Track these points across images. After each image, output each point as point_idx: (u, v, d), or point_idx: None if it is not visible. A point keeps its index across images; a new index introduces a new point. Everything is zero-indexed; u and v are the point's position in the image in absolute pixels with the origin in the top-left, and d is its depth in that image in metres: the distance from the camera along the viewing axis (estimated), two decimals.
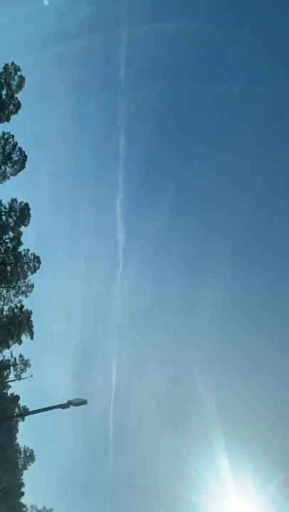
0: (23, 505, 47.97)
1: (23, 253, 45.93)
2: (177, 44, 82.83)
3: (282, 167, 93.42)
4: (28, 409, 53.63)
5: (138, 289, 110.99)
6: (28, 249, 47.86)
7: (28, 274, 46.21)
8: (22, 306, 41.03)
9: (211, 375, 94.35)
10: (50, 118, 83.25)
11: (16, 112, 49.03)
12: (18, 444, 50.77)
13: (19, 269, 37.74)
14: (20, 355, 43.13)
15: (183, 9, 76.12)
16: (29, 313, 40.90)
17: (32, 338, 40.17)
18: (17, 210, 35.38)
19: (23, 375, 42.59)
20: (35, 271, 46.67)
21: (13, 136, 46.80)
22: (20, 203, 36.68)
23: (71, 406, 22.64)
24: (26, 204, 36.81)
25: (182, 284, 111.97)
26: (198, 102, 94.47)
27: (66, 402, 21.03)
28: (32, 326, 40.01)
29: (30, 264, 47.24)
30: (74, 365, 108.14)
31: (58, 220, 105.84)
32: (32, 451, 51.26)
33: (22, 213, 35.31)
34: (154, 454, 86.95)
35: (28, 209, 36.69)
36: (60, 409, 22.68)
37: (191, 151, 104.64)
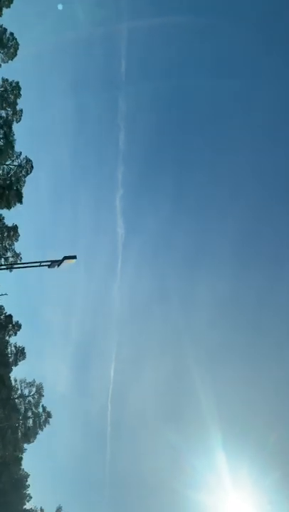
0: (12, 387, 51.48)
1: (15, 155, 45.91)
2: (178, 39, 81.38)
3: (283, 162, 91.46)
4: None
5: (137, 284, 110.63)
6: (21, 152, 47.83)
7: (21, 176, 46.47)
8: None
9: (208, 371, 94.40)
10: (50, 113, 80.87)
11: (9, 6, 45.61)
12: (8, 341, 54.09)
13: (10, 151, 37.53)
14: (13, 249, 44.58)
15: (183, 4, 74.51)
16: (19, 177, 41.53)
17: (21, 203, 41.35)
18: (8, 89, 34.43)
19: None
20: (27, 174, 46.90)
21: (5, 30, 44.33)
22: (11, 82, 35.45)
23: (57, 266, 23.51)
24: (17, 83, 35.67)
25: (181, 279, 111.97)
26: (198, 97, 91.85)
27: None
28: (21, 193, 40.79)
29: (23, 169, 47.46)
30: (73, 359, 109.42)
31: (58, 215, 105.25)
32: (23, 348, 54.76)
33: (14, 93, 34.30)
34: (152, 448, 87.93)
35: (19, 88, 35.58)
36: (47, 267, 23.76)
37: (191, 147, 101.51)
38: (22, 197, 40.73)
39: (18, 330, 55.31)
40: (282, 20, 71.61)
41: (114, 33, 71.42)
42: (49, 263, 22.70)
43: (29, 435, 43.64)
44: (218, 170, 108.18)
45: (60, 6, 55.83)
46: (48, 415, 47.18)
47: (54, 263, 22.72)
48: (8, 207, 38.90)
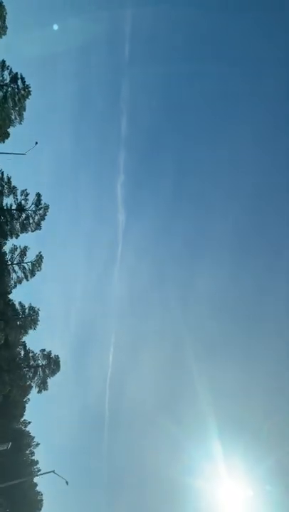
0: None
1: None
2: (181, 24, 79.32)
3: (285, 150, 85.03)
4: None
5: (137, 271, 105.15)
6: None
7: None
8: None
9: (205, 360, 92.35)
10: (52, 97, 77.60)
11: None
12: None
13: None
14: None
15: None
16: None
17: None
18: None
19: None
20: None
21: None
22: None
23: None
24: None
25: (181, 266, 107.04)
26: (202, 83, 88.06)
27: None
28: None
29: None
30: (72, 344, 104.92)
31: (59, 201, 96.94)
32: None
33: None
34: (149, 436, 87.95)
35: None
36: None
37: (194, 134, 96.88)
38: None
39: None
40: (283, 11, 71.06)
41: (119, 17, 70.15)
42: None
43: None
44: (220, 158, 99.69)
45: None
46: None
47: None
48: None
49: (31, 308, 39.93)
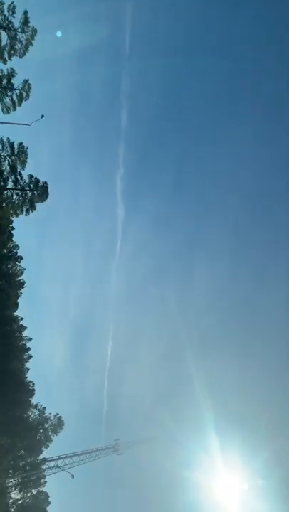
0: None
1: None
2: (182, 16, 77.34)
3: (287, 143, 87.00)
4: None
5: (136, 265, 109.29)
6: None
7: None
8: None
9: (203, 354, 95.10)
10: (51, 89, 76.68)
11: None
12: None
13: None
14: None
15: None
16: None
17: None
18: None
19: None
20: None
21: None
22: None
23: None
24: None
25: (180, 261, 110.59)
26: (202, 76, 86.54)
27: None
28: None
29: None
30: (71, 336, 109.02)
31: (59, 195, 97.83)
32: None
33: None
34: (147, 430, 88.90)
35: None
36: None
37: (194, 127, 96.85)
38: None
39: None
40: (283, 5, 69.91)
41: (119, 10, 69.33)
42: None
43: None
44: (220, 153, 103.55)
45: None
46: None
47: None
48: None
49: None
